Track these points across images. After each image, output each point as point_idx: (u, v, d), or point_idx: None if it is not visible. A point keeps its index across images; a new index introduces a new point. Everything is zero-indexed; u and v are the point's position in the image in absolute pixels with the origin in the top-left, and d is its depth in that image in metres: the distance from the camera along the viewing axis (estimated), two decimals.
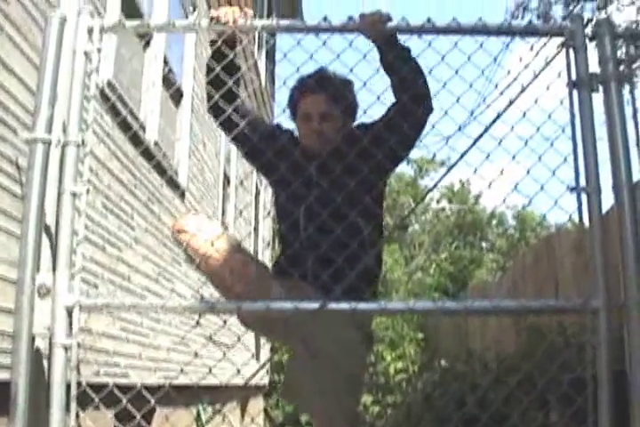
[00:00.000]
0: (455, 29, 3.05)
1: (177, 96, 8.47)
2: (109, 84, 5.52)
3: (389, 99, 3.28)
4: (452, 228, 36.43)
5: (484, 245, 37.73)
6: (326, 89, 3.42)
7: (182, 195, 8.41)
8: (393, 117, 3.27)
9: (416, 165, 36.51)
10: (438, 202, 37.37)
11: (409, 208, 34.19)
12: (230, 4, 8.45)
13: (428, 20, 3.02)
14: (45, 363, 2.78)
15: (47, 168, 2.90)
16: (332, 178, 3.23)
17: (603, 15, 17.04)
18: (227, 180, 12.11)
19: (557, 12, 17.98)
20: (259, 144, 3.39)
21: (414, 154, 33.81)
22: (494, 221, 38.66)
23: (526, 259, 11.62)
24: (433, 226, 36.79)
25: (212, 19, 3.14)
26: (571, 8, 17.73)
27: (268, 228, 15.94)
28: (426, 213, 37.52)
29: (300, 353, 3.26)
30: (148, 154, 6.77)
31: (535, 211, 34.56)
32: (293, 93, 3.55)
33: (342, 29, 3.10)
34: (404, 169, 36.04)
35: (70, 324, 2.81)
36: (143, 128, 6.72)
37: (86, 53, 3.06)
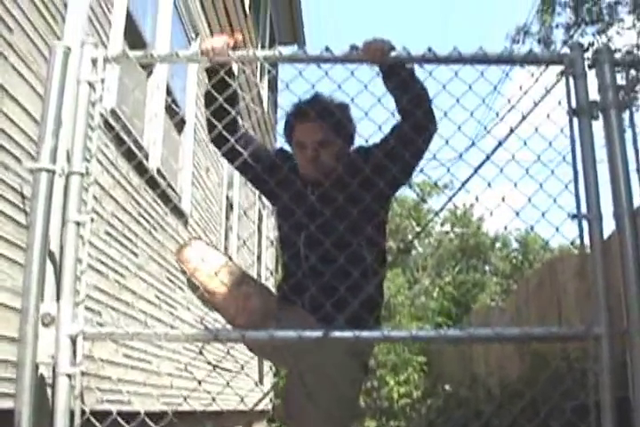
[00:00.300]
0: (456, 58, 3.08)
1: (180, 124, 8.51)
2: (113, 113, 5.55)
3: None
4: (455, 251, 36.44)
5: (487, 268, 37.70)
6: (322, 116, 3.36)
7: (186, 222, 8.42)
8: (394, 146, 3.24)
9: (419, 189, 36.57)
10: (442, 225, 37.41)
11: (412, 232, 34.20)
12: (232, 30, 8.51)
13: (429, 49, 3.05)
14: (49, 391, 2.78)
15: (51, 197, 2.91)
16: (333, 206, 3.19)
17: (603, 39, 17.20)
18: (230, 206, 12.13)
19: (558, 36, 18.13)
20: (262, 173, 3.38)
21: (417, 178, 33.76)
22: (497, 245, 38.66)
23: (530, 284, 11.62)
24: (436, 249, 36.80)
25: (202, 52, 3.16)
26: (571, 32, 17.87)
27: (271, 255, 15.93)
28: (429, 237, 37.55)
29: (296, 383, 3.23)
30: (151, 182, 6.80)
31: (539, 234, 34.60)
32: (289, 120, 3.51)
33: (345, 60, 3.13)
34: (407, 193, 36.11)
35: (74, 352, 2.82)
36: (146, 156, 6.75)
37: (90, 84, 3.08)
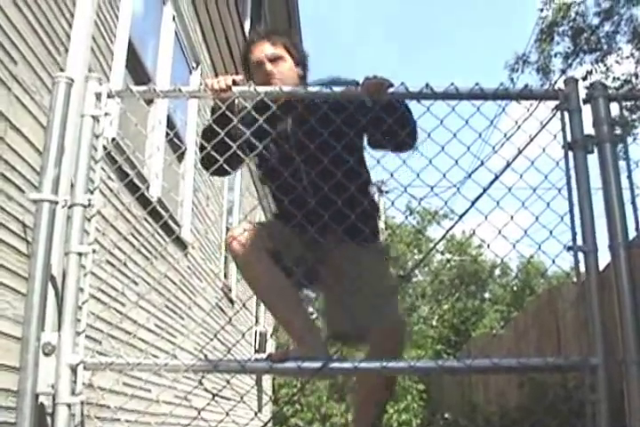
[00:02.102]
0: (453, 94, 3.13)
1: (181, 154, 8.54)
2: (116, 145, 5.58)
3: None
4: (454, 279, 36.38)
5: (487, 295, 37.62)
6: (270, 36, 3.66)
7: (186, 251, 8.45)
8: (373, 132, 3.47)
9: (419, 217, 36.63)
10: (442, 253, 37.39)
11: (412, 259, 34.17)
12: (236, 70, 8.64)
13: (427, 85, 3.10)
14: (49, 420, 2.79)
15: (53, 228, 2.95)
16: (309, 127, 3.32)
17: (602, 67, 17.28)
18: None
19: (557, 64, 18.24)
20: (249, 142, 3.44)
21: (417, 206, 33.86)
22: (497, 272, 38.59)
23: (528, 312, 11.62)
24: (435, 277, 36.74)
25: (205, 88, 3.30)
26: (570, 61, 17.96)
27: None
28: (428, 265, 37.53)
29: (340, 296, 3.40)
30: (153, 213, 6.83)
31: (538, 261, 34.54)
32: (244, 51, 3.74)
33: (344, 96, 3.19)
34: (408, 220, 36.09)
35: (74, 382, 2.84)
36: (148, 187, 6.79)
37: (93, 117, 3.12)
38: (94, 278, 4.73)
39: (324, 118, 3.28)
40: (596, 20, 17.87)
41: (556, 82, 17.79)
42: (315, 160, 3.29)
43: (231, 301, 11.81)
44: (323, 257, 3.46)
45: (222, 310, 11.16)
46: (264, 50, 3.62)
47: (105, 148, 3.26)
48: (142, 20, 7.01)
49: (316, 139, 3.28)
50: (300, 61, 3.72)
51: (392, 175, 3.11)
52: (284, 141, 3.51)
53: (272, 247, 3.37)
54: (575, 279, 3.02)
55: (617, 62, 17.33)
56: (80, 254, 2.96)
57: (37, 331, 2.83)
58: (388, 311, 3.40)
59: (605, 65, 17.39)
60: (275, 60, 3.59)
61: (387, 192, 34.59)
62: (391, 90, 3.16)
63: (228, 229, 11.82)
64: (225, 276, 11.52)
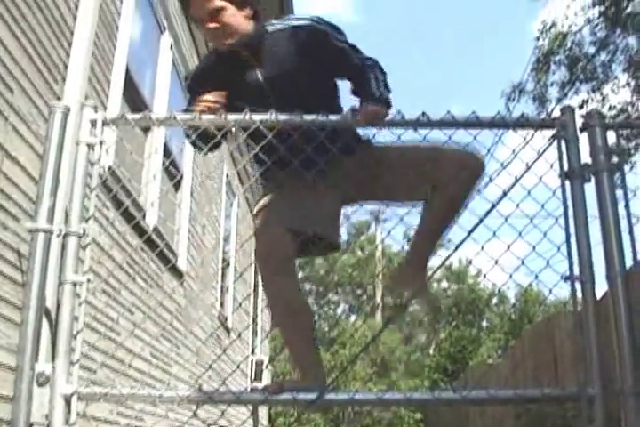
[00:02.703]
0: (450, 123, 3.13)
1: (177, 182, 8.55)
2: (112, 173, 5.59)
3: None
4: (451, 307, 36.33)
5: (484, 323, 37.54)
6: None
7: (182, 280, 8.44)
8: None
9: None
10: (439, 282, 37.38)
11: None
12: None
13: (423, 113, 3.10)
14: None
15: (48, 257, 2.94)
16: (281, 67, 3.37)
17: (598, 96, 17.35)
18: (227, 263, 12.16)
19: (553, 93, 18.30)
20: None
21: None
22: (494, 300, 38.55)
23: (526, 340, 11.58)
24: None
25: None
26: (566, 90, 18.03)
27: (268, 324, 15.88)
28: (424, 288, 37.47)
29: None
30: (149, 242, 6.83)
31: (536, 289, 34.46)
32: (183, 8, 3.66)
33: (341, 124, 3.19)
34: (404, 247, 36.07)
35: (69, 412, 2.82)
36: (144, 216, 6.78)
37: (89, 145, 3.12)
38: (90, 307, 4.72)
39: (290, 59, 3.38)
40: (592, 49, 17.95)
41: (552, 111, 17.85)
42: (290, 101, 3.29)
43: (227, 330, 11.78)
44: (341, 181, 3.41)
45: (219, 337, 11.12)
46: (201, 5, 3.37)
47: (101, 176, 3.26)
48: (140, 49, 7.04)
49: (287, 81, 3.35)
50: (242, 2, 3.44)
51: (387, 206, 3.11)
52: (257, 90, 3.43)
53: (296, 240, 3.30)
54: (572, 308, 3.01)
55: (613, 91, 17.38)
56: (75, 284, 2.95)
57: (31, 361, 2.81)
58: (445, 154, 3.36)
59: (602, 94, 17.44)
60: (215, 12, 3.36)
61: (384, 221, 34.66)
62: (388, 117, 3.16)
63: (224, 260, 11.83)
64: (221, 304, 11.50)
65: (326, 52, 3.39)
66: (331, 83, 3.58)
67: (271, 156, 3.25)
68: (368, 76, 3.37)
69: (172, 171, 8.01)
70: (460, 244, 3.19)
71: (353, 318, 40.13)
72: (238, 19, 3.40)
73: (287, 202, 3.40)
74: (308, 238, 3.34)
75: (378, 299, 34.86)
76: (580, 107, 17.03)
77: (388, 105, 3.31)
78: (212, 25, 3.36)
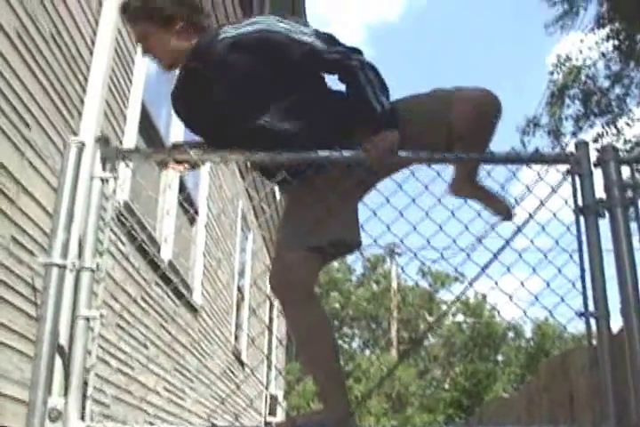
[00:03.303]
0: (464, 158, 3.13)
1: (192, 216, 8.57)
2: (127, 207, 5.60)
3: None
4: (466, 341, 36.15)
5: (499, 358, 37.28)
6: (126, 16, 3.30)
7: (196, 312, 8.43)
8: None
9: (431, 279, 36.57)
10: (453, 316, 37.22)
11: (424, 322, 33.98)
12: None
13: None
14: None
15: (62, 291, 2.93)
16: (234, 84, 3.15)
17: (613, 130, 17.36)
18: (241, 297, 12.15)
19: (568, 127, 18.32)
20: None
21: (428, 268, 33.88)
22: (510, 334, 38.33)
23: (541, 376, 11.48)
24: (448, 340, 36.54)
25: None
26: (580, 124, 18.06)
27: (282, 359, 15.82)
28: (441, 327, 37.34)
29: None
30: (164, 276, 6.83)
31: (552, 322, 34.28)
32: None
33: (353, 161, 3.17)
34: (421, 283, 36.11)
35: None
36: (159, 250, 6.79)
37: (103, 180, 3.13)
38: (103, 341, 4.72)
39: (244, 77, 3.13)
40: (606, 83, 18.00)
41: (567, 145, 17.86)
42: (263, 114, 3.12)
43: (242, 364, 11.75)
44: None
45: (233, 373, 11.08)
46: (134, 35, 3.31)
47: (116, 210, 3.27)
48: (155, 82, 7.08)
49: (251, 100, 3.15)
50: (167, 19, 3.21)
51: (402, 242, 3.09)
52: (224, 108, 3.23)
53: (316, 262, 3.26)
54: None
55: (627, 125, 17.38)
56: (88, 319, 2.95)
57: (44, 395, 2.80)
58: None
59: (616, 127, 17.46)
60: (142, 39, 3.25)
61: (399, 255, 34.60)
62: (401, 154, 3.13)
63: (239, 290, 11.83)
64: (235, 338, 11.47)
65: (290, 56, 3.10)
66: (311, 84, 3.28)
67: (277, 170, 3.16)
68: (359, 81, 3.10)
69: (187, 204, 8.03)
70: (474, 280, 3.18)
71: (368, 351, 39.95)
72: (164, 41, 3.22)
73: (296, 218, 3.31)
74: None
75: (393, 333, 34.74)
76: (595, 140, 17.04)
77: (395, 118, 3.10)
78: (144, 51, 3.30)
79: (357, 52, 3.17)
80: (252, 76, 3.11)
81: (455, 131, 3.12)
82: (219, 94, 3.20)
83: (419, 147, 3.08)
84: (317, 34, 3.13)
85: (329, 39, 3.14)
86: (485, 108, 3.15)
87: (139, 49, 6.08)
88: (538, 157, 3.19)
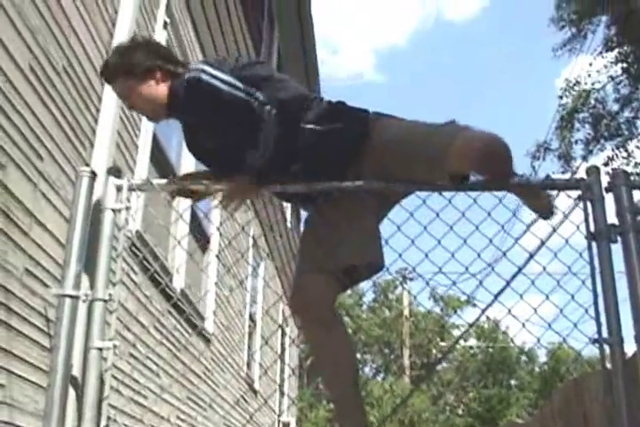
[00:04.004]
0: (475, 186, 3.13)
1: (204, 243, 8.58)
2: (139, 237, 5.62)
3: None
4: (480, 366, 35.96)
5: (513, 382, 37.06)
6: (106, 78, 3.40)
7: (208, 341, 8.42)
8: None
9: (442, 303, 36.46)
10: (465, 340, 37.06)
11: (436, 346, 33.83)
12: None
13: None
14: None
15: (75, 322, 2.95)
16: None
17: (623, 153, 17.34)
18: (253, 323, 12.14)
19: (578, 151, 18.33)
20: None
21: (441, 291, 33.88)
22: (524, 358, 38.14)
23: (555, 402, 11.42)
24: (461, 364, 36.37)
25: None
26: (590, 147, 18.06)
27: (294, 387, 15.78)
28: (453, 352, 37.17)
29: None
30: (176, 306, 6.83)
31: (568, 347, 34.09)
32: None
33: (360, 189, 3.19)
34: (432, 307, 36.00)
35: None
36: (171, 279, 6.80)
37: (115, 211, 3.14)
38: (117, 371, 4.72)
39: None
40: (615, 107, 18.03)
41: (577, 168, 17.86)
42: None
43: (254, 392, 11.71)
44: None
45: (245, 400, 11.05)
46: (116, 94, 3.44)
47: (128, 241, 3.28)
48: None
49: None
50: (145, 71, 3.30)
51: (414, 269, 3.09)
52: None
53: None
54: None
55: (638, 148, 17.38)
56: (101, 349, 2.96)
57: (58, 426, 2.80)
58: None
59: (627, 150, 17.45)
60: (124, 96, 3.36)
61: (411, 279, 34.54)
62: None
63: (251, 318, 11.81)
64: (248, 366, 11.44)
65: (216, 102, 3.19)
66: None
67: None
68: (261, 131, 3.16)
69: (199, 232, 8.04)
70: (487, 308, 3.18)
71: (380, 377, 39.76)
72: (144, 92, 3.31)
73: (316, 241, 3.33)
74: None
75: (405, 359, 34.59)
76: (605, 164, 17.04)
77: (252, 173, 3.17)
78: (128, 108, 3.44)
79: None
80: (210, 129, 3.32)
81: (455, 170, 3.09)
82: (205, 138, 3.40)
83: (392, 175, 3.16)
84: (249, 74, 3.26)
85: (268, 79, 3.25)
86: (491, 150, 3.06)
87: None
88: (549, 184, 3.20)
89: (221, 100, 3.14)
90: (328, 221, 3.26)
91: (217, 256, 8.84)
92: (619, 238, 3.01)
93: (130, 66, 3.28)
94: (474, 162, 3.04)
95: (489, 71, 74.66)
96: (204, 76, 3.15)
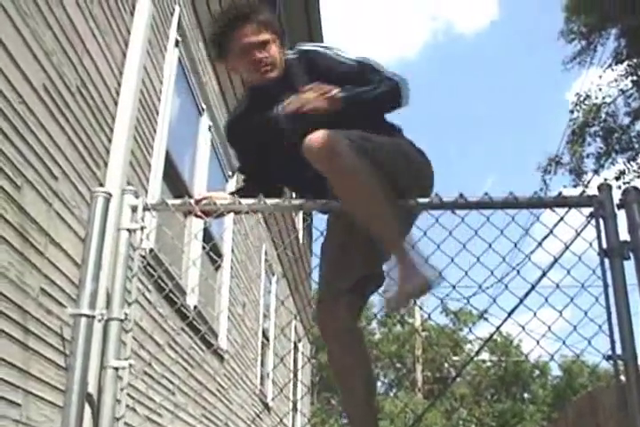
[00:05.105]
0: (487, 204, 3.14)
1: (217, 262, 8.59)
2: (153, 256, 5.64)
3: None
4: (493, 379, 35.83)
5: (526, 395, 36.92)
6: (250, 17, 3.35)
7: (222, 358, 8.43)
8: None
9: (454, 316, 36.36)
10: (478, 354, 36.94)
11: (449, 360, 33.72)
12: None
13: (461, 195, 3.12)
14: None
15: (90, 341, 2.96)
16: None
17: (634, 166, 17.31)
18: (266, 339, 12.14)
19: (589, 165, 18.31)
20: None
21: (453, 305, 33.86)
22: (537, 372, 37.99)
23: (568, 416, 11.37)
24: (473, 378, 36.23)
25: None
26: (602, 161, 18.04)
27: (307, 403, 15.75)
28: (466, 366, 37.05)
29: None
30: (190, 323, 6.84)
31: (583, 362, 33.90)
32: (221, 33, 3.38)
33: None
34: (444, 321, 35.93)
35: None
36: (185, 297, 6.82)
37: (130, 231, 3.17)
38: (132, 390, 4.73)
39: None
40: (626, 120, 18.02)
41: (589, 182, 17.84)
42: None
43: (268, 408, 11.71)
44: None
45: (259, 417, 11.04)
46: (249, 36, 3.32)
47: (142, 260, 3.30)
48: (179, 131, 7.16)
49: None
50: (281, 36, 3.43)
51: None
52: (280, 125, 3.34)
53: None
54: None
55: None
56: (117, 369, 2.97)
57: None
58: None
59: (638, 164, 17.44)
60: (263, 44, 3.32)
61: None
62: (425, 200, 3.14)
63: (264, 334, 11.82)
64: (261, 383, 11.44)
65: (340, 74, 3.27)
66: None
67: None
68: (372, 83, 3.26)
69: (213, 250, 8.06)
70: (501, 324, 3.18)
71: (393, 392, 39.66)
72: (279, 52, 3.38)
73: (330, 254, 3.36)
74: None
75: (418, 374, 34.49)
76: (617, 178, 17.03)
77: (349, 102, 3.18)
78: (261, 55, 3.31)
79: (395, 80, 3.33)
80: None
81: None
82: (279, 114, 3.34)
83: None
84: (359, 60, 3.36)
85: (373, 66, 3.35)
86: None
87: (162, 98, 6.16)
88: (560, 201, 3.20)
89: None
90: (345, 227, 3.25)
91: (230, 274, 8.86)
92: (631, 255, 3.01)
93: (273, 23, 3.42)
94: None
95: (498, 84, 74.71)
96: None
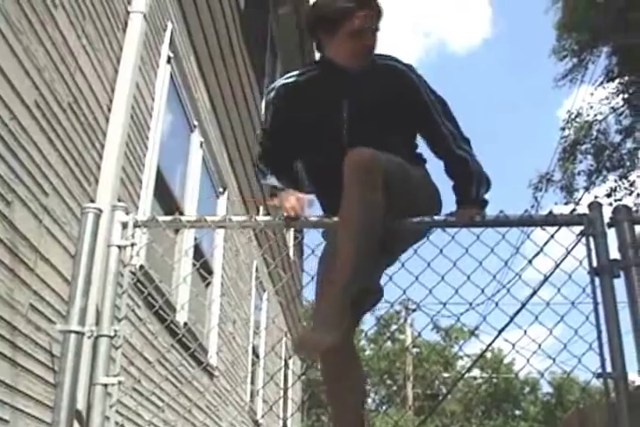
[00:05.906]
0: (478, 222, 3.15)
1: (208, 279, 8.58)
2: (143, 272, 5.63)
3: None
4: (484, 396, 35.81)
5: (517, 412, 36.92)
6: (376, 4, 3.39)
7: (212, 375, 8.41)
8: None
9: (444, 333, 36.37)
10: (469, 371, 36.99)
11: (440, 376, 33.69)
12: (260, 187, 8.67)
13: (451, 213, 3.13)
14: None
15: (80, 358, 2.96)
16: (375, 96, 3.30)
17: (625, 184, 17.36)
18: (256, 356, 12.11)
19: (580, 182, 18.36)
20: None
21: (444, 323, 33.86)
22: (527, 389, 38.00)
23: None
24: (465, 395, 36.22)
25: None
26: (593, 178, 18.09)
27: (297, 420, 15.72)
28: (457, 382, 37.04)
29: None
30: (180, 340, 6.82)
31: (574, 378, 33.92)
32: (344, 7, 3.32)
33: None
34: (434, 337, 35.88)
35: None
36: (175, 314, 6.80)
37: (120, 247, 3.16)
38: (121, 406, 4.71)
39: (382, 98, 3.30)
40: (617, 138, 18.09)
41: (580, 199, 17.89)
42: (363, 140, 3.10)
43: (257, 425, 11.67)
44: None
45: None
46: (373, 21, 3.36)
47: (132, 276, 3.29)
48: (170, 148, 7.15)
49: (369, 120, 3.25)
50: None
51: (419, 306, 3.10)
52: (333, 121, 3.32)
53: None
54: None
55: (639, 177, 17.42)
56: (106, 385, 2.96)
57: None
58: None
59: (629, 181, 17.49)
60: (375, 33, 3.38)
61: (413, 310, 34.48)
62: (415, 219, 3.15)
63: (254, 351, 11.79)
64: (251, 400, 11.40)
65: (416, 103, 3.36)
66: (410, 133, 3.50)
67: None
68: (467, 170, 3.33)
69: (204, 266, 8.04)
70: (491, 342, 3.18)
71: (383, 408, 39.60)
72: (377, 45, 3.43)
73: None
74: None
75: (409, 390, 34.42)
76: (608, 195, 17.07)
77: (484, 204, 3.32)
78: (372, 42, 3.38)
79: (468, 147, 3.41)
80: (385, 105, 3.32)
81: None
82: (341, 111, 3.31)
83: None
84: (441, 99, 3.46)
85: (449, 115, 3.44)
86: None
87: (154, 115, 6.16)
88: (551, 220, 3.21)
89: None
90: None
91: (221, 292, 8.85)
92: (621, 273, 3.02)
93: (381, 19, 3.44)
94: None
95: (490, 101, 74.92)
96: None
